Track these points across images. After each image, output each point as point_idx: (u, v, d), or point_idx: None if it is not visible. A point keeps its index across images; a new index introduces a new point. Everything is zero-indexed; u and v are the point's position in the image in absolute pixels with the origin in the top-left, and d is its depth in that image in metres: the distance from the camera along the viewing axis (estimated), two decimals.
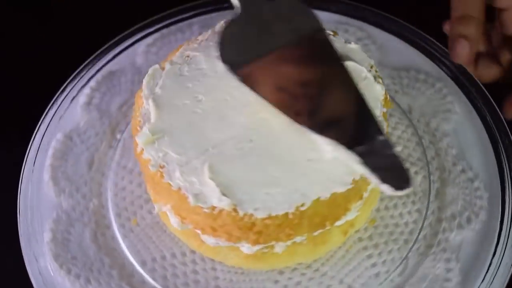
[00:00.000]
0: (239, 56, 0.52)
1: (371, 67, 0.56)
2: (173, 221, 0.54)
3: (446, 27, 0.64)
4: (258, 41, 0.52)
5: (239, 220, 0.49)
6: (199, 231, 0.53)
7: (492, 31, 0.64)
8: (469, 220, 0.59)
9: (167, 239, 0.59)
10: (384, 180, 0.46)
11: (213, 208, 0.49)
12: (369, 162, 0.47)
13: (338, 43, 0.57)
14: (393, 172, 0.46)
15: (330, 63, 0.52)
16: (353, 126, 0.50)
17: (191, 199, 0.49)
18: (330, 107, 0.50)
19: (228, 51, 0.52)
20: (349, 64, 0.54)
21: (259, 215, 0.48)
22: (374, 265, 0.57)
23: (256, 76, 0.51)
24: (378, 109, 0.53)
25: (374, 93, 0.54)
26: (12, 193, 0.61)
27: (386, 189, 0.46)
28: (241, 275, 0.57)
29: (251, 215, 0.48)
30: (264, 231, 0.50)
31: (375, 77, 0.55)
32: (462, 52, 0.61)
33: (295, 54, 0.52)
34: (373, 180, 0.46)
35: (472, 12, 0.60)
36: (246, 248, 0.53)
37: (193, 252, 0.58)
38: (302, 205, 0.49)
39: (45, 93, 0.67)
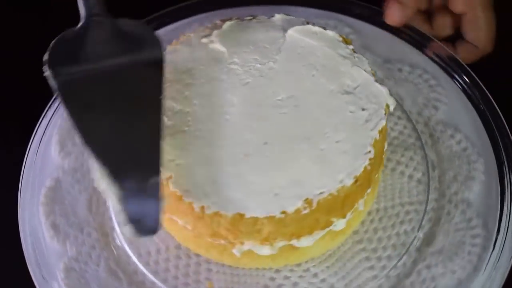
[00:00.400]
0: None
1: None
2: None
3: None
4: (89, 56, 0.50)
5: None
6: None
7: None
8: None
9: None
10: (132, 222, 0.42)
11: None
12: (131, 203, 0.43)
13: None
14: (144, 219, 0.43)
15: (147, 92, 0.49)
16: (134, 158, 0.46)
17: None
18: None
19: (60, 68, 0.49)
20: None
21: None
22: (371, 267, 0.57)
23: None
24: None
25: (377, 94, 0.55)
26: (12, 193, 0.61)
27: (127, 231, 0.43)
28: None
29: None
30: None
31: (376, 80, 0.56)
32: (394, 14, 0.65)
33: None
34: (120, 219, 0.43)
35: None
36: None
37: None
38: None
39: (45, 93, 0.66)
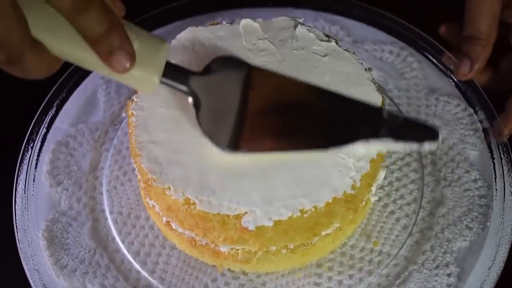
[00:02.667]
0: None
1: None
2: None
3: (442, 30, 0.68)
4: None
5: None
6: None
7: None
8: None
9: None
10: (420, 140, 0.48)
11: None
12: (397, 135, 0.49)
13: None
14: (419, 130, 0.49)
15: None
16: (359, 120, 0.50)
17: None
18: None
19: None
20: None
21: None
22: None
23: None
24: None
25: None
26: (11, 192, 0.62)
27: (428, 146, 0.49)
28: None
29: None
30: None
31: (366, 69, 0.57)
32: (465, 70, 0.64)
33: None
34: (413, 148, 0.49)
35: (480, 35, 0.63)
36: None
37: None
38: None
39: (44, 92, 0.68)
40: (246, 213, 0.50)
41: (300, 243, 0.53)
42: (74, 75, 0.70)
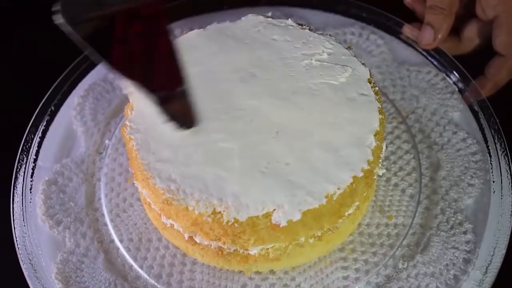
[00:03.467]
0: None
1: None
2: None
3: (407, 0, 0.70)
4: None
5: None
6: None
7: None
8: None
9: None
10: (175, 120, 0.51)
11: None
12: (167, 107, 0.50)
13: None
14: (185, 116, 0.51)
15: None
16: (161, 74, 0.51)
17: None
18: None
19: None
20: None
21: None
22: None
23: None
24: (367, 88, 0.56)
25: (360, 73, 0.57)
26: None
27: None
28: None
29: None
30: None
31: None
32: (429, 40, 0.67)
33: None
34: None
35: (442, 4, 0.65)
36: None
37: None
38: None
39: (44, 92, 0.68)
40: (274, 210, 0.50)
41: (327, 228, 0.54)
42: (45, 113, 0.67)
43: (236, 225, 0.50)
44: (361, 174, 0.51)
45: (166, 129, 0.54)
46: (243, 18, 0.62)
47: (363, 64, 0.58)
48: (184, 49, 0.54)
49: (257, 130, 0.53)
